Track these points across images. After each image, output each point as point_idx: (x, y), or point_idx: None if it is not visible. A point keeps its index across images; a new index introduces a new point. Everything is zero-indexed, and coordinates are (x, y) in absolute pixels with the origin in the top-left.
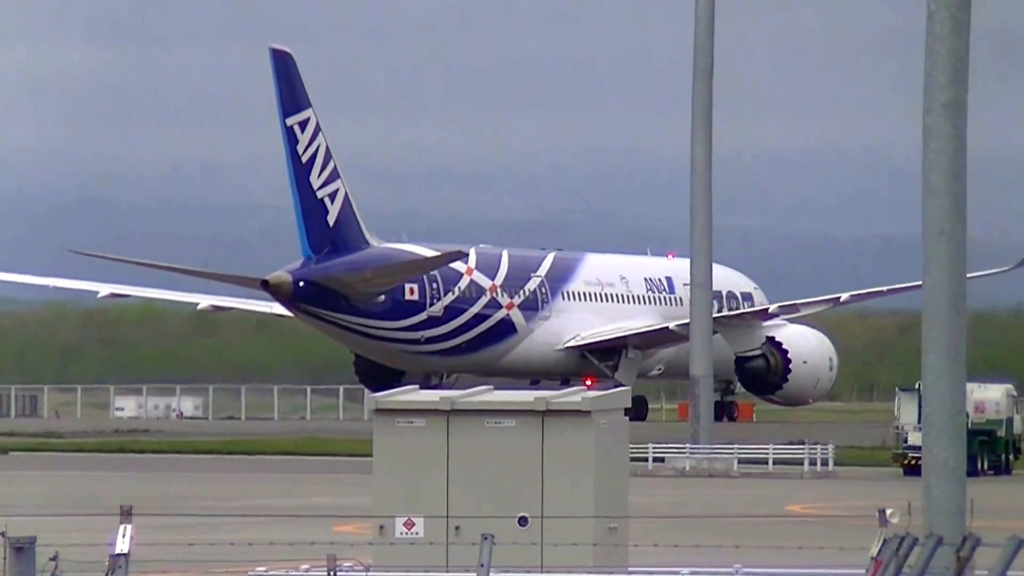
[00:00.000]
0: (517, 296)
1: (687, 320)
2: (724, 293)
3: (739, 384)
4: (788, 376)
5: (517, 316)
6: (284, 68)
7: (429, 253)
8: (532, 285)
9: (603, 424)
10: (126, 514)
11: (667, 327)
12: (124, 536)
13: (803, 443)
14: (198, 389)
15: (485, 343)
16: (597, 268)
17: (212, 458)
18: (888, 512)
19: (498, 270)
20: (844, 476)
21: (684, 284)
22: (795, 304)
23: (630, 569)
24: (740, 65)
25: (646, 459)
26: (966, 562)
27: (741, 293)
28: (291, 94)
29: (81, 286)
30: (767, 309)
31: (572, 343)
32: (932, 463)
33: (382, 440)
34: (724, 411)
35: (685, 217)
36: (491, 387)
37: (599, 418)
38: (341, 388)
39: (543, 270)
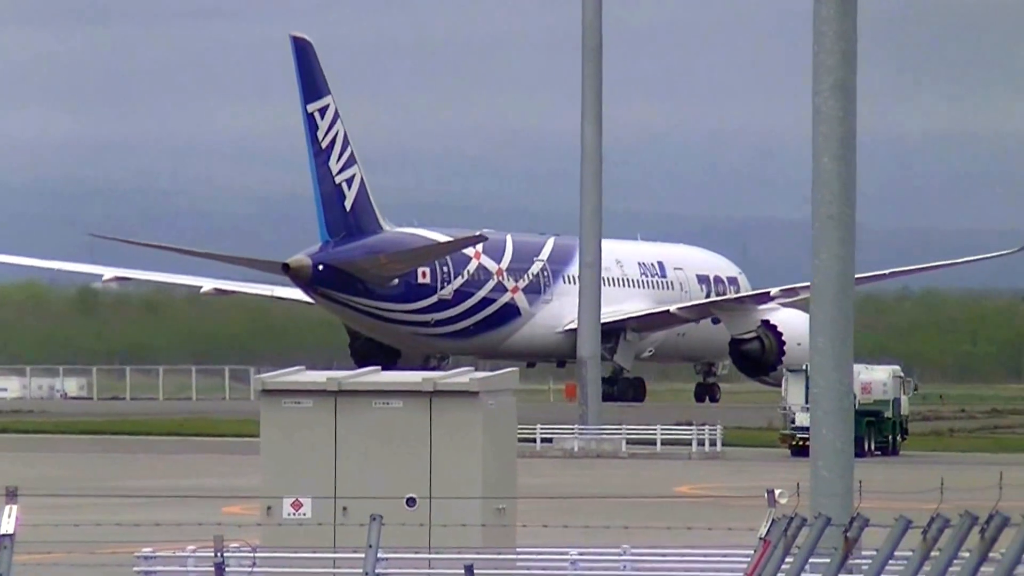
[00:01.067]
0: (521, 280)
1: (687, 303)
2: (712, 277)
3: (723, 366)
4: (782, 358)
5: (521, 299)
6: (304, 55)
7: (440, 238)
8: (535, 269)
9: (491, 405)
10: (11, 495)
11: (668, 310)
12: (9, 517)
13: (691, 424)
14: (82, 370)
15: (491, 326)
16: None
17: (97, 439)
18: (776, 493)
19: (503, 254)
20: (732, 457)
21: (675, 268)
22: (795, 288)
23: (518, 550)
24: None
25: (534, 440)
26: (854, 543)
27: (727, 277)
28: (311, 81)
29: (90, 270)
30: (768, 292)
31: (572, 326)
32: (820, 444)
33: (269, 421)
34: (706, 392)
35: (572, 200)
36: (379, 368)
37: (487, 399)
38: (227, 368)
39: (545, 254)
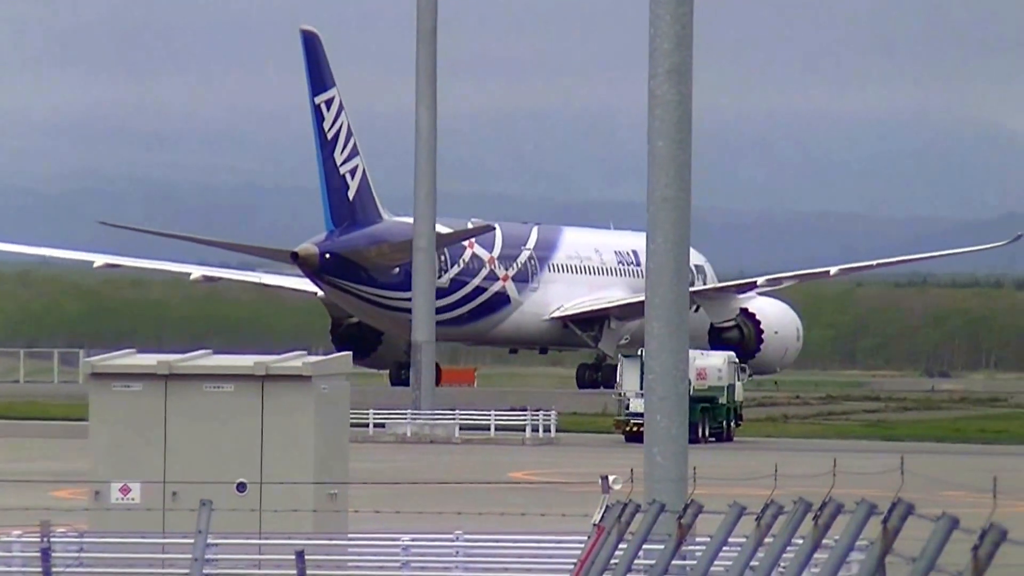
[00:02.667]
0: (511, 268)
1: None
2: None
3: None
4: (761, 346)
5: (511, 288)
6: (312, 48)
7: (439, 227)
8: (523, 258)
9: (324, 389)
10: None
11: None
12: None
13: (525, 410)
14: None
15: (483, 313)
16: (575, 241)
17: None
18: (611, 479)
19: (494, 243)
20: (566, 443)
21: None
22: (781, 277)
23: (350, 535)
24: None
25: (367, 425)
26: (687, 529)
27: (695, 265)
28: (319, 73)
29: (77, 256)
30: (755, 282)
31: (557, 314)
32: (654, 430)
33: (98, 405)
34: None
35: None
36: (210, 352)
37: (320, 383)
38: (56, 351)
39: (531, 243)
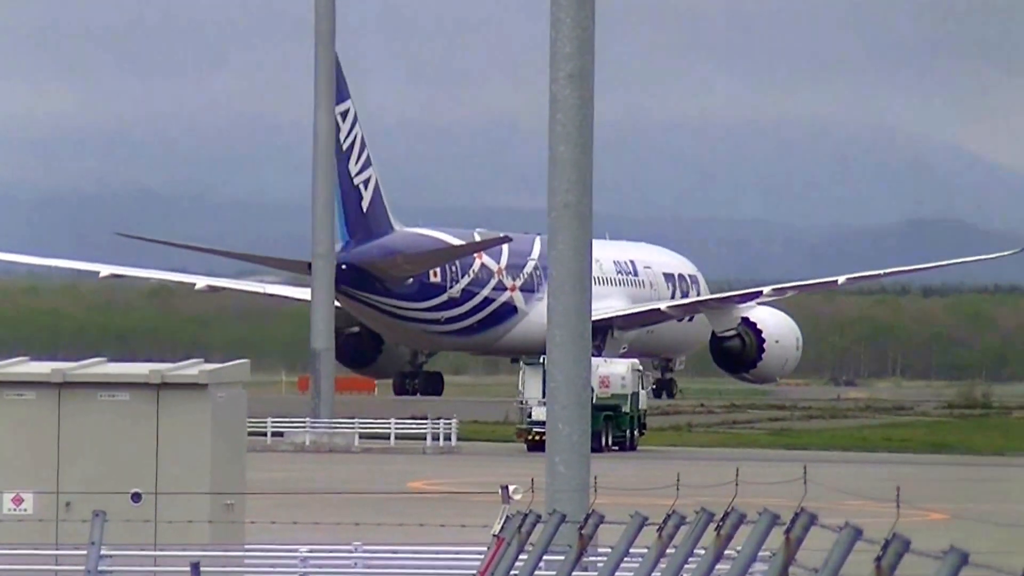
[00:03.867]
0: (519, 279)
1: (677, 301)
2: (676, 275)
3: (681, 361)
4: (762, 355)
5: (518, 298)
6: None
7: (447, 237)
8: (529, 268)
9: (220, 398)
10: None
11: (659, 308)
12: None
13: (425, 418)
14: None
15: (492, 323)
16: None
17: None
18: (511, 489)
19: (502, 254)
20: (467, 452)
21: (645, 267)
22: (786, 287)
23: (247, 547)
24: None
25: (265, 434)
26: (589, 540)
27: (689, 275)
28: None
29: (84, 267)
30: (761, 291)
31: None
32: (556, 439)
33: None
34: (663, 388)
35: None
36: (105, 359)
37: (216, 392)
38: None
39: (535, 253)
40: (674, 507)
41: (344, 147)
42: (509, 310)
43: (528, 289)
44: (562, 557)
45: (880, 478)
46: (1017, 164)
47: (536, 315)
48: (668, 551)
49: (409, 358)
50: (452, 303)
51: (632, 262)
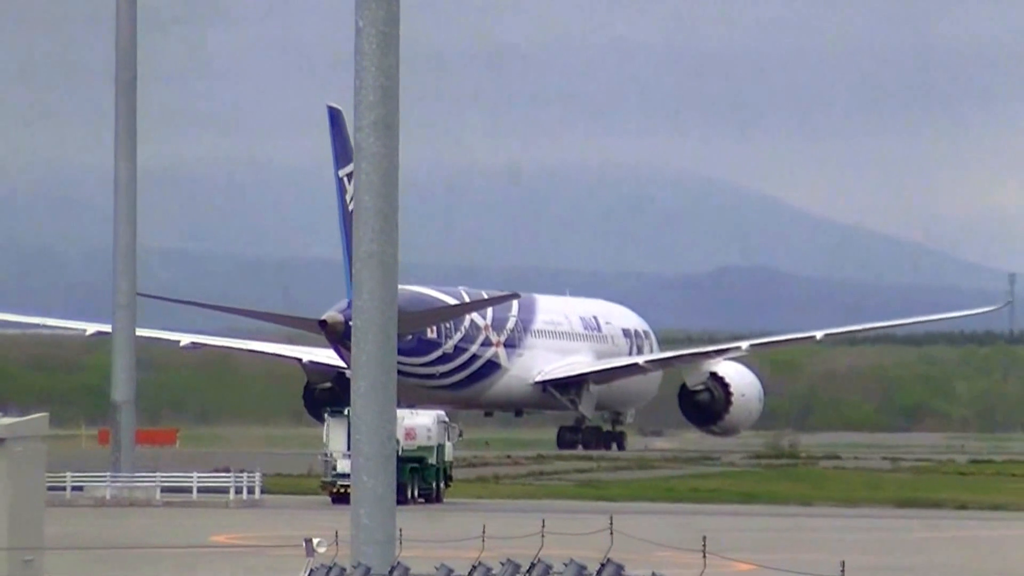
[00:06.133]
0: (502, 335)
1: (654, 356)
2: (632, 331)
3: (631, 415)
4: (729, 408)
5: (502, 353)
6: (337, 123)
7: (437, 295)
8: (511, 324)
9: (18, 451)
10: None
11: (637, 363)
12: None
13: (228, 471)
14: None
15: (479, 378)
16: (549, 308)
17: None
18: (315, 541)
19: (487, 310)
20: (271, 504)
21: (606, 322)
22: (768, 342)
23: None
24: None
25: (64, 488)
26: None
27: (643, 331)
28: (343, 148)
29: (73, 325)
30: (740, 346)
31: (539, 378)
32: (361, 491)
33: None
34: (613, 439)
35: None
36: None
37: (14, 445)
38: None
39: (515, 309)
40: (480, 558)
41: (351, 208)
42: (493, 365)
43: (510, 345)
44: None
45: (687, 528)
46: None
47: (518, 370)
48: None
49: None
50: (446, 358)
51: (596, 317)
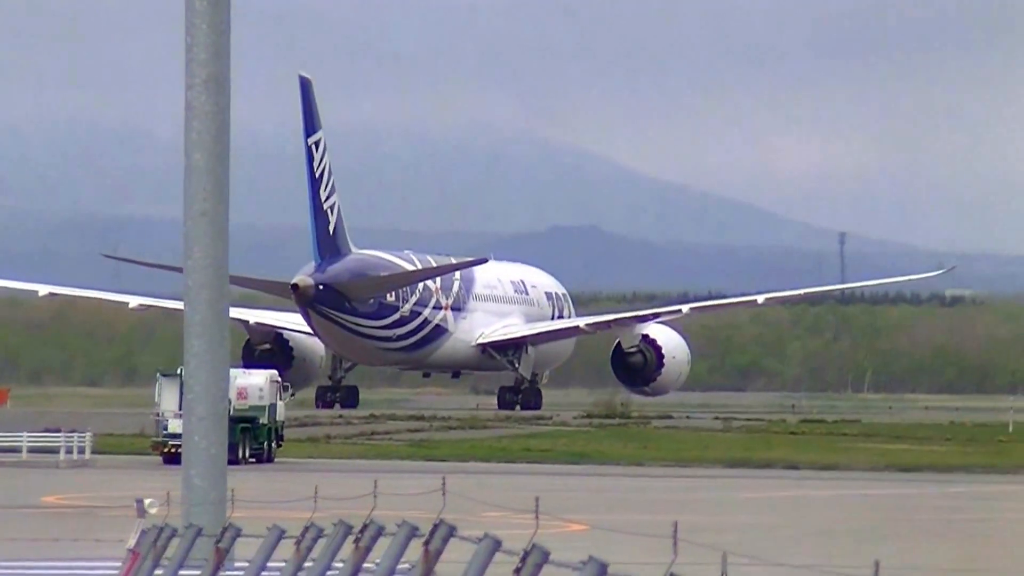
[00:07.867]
0: (450, 298)
1: (594, 319)
2: (553, 294)
3: (546, 375)
4: (661, 370)
5: (449, 317)
6: (307, 93)
7: (396, 260)
8: (456, 288)
9: None
10: None
11: (578, 325)
12: None
13: (59, 431)
14: None
15: (429, 340)
16: (485, 272)
17: None
18: (146, 503)
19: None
20: (102, 465)
21: (532, 286)
22: (709, 305)
23: None
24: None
25: None
26: (225, 553)
27: (561, 293)
28: (311, 116)
29: (26, 287)
30: (680, 309)
31: (480, 340)
32: (192, 452)
33: None
34: (533, 398)
35: None
36: None
37: None
38: None
39: (458, 273)
40: (312, 519)
41: (316, 175)
42: (441, 328)
43: (456, 308)
44: (198, 571)
45: (519, 488)
46: (657, 173)
47: (462, 332)
48: (306, 564)
49: (329, 372)
50: (402, 321)
51: (523, 281)
